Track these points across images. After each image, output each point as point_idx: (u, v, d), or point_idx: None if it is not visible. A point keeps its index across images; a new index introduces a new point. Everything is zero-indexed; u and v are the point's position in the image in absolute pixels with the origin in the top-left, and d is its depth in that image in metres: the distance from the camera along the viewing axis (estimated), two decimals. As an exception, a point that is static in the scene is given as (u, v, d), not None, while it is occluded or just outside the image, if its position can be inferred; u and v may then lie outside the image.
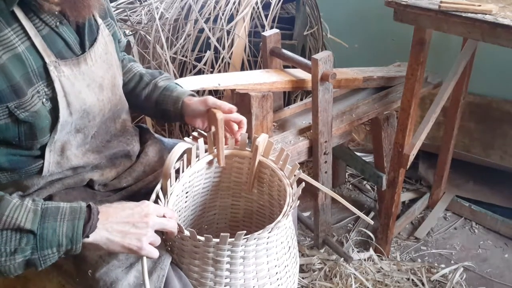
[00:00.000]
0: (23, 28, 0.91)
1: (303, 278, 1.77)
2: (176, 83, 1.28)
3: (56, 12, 0.96)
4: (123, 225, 0.89)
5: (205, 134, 1.20)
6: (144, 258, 0.91)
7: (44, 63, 0.94)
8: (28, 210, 0.85)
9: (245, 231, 0.91)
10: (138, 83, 1.27)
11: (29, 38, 0.92)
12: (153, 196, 1.01)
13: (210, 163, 1.16)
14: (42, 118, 0.95)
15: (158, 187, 1.02)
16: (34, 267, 0.86)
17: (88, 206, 0.89)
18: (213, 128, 1.14)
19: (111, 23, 1.15)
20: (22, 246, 0.83)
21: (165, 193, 1.02)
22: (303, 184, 1.06)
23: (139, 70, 1.29)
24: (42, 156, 1.02)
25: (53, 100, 0.96)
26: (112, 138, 1.15)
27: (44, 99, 0.95)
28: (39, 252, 0.84)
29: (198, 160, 1.13)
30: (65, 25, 0.99)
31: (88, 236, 0.87)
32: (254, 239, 0.94)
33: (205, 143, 1.16)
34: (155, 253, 0.92)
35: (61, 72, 0.96)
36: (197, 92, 2.05)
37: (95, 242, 0.88)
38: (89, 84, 1.03)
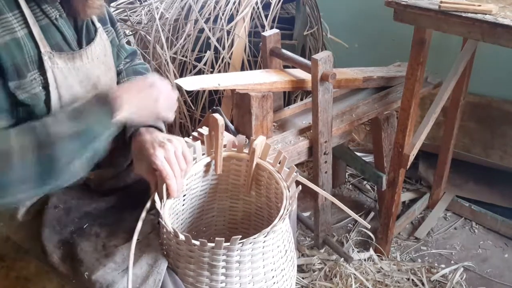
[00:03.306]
0: (23, 15, 0.93)
1: (303, 278, 1.77)
2: None
3: (57, 3, 0.98)
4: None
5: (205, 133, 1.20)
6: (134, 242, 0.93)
7: (39, 52, 0.95)
8: (60, 120, 0.91)
9: (240, 236, 0.90)
10: None
11: (28, 26, 0.94)
12: (148, 204, 1.01)
13: (207, 165, 1.16)
14: (40, 104, 0.97)
15: (155, 194, 1.01)
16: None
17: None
18: (205, 130, 1.14)
19: (110, 30, 1.16)
20: (78, 149, 0.90)
21: (161, 196, 1.01)
22: (300, 187, 1.05)
23: None
24: None
25: (47, 90, 0.97)
26: None
27: (40, 87, 0.96)
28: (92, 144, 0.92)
29: (196, 162, 1.12)
30: (64, 19, 1.01)
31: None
32: (250, 243, 0.94)
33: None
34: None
35: (55, 64, 0.97)
36: (197, 92, 2.07)
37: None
38: (81, 81, 1.03)
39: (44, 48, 0.96)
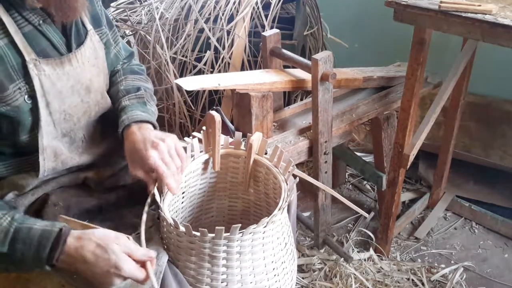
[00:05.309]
0: (2, 24, 0.91)
1: (303, 278, 1.77)
2: (144, 103, 1.15)
3: (39, 7, 0.95)
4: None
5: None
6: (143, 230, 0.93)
7: (24, 61, 0.94)
8: (1, 231, 0.87)
9: (240, 225, 0.92)
10: (113, 100, 1.19)
11: (9, 34, 0.92)
12: (149, 199, 1.01)
13: (205, 162, 1.16)
14: (24, 115, 0.96)
15: (155, 189, 1.02)
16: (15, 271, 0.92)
17: (60, 230, 0.88)
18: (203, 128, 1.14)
19: (104, 32, 1.14)
20: None
21: (161, 190, 1.02)
22: (297, 179, 1.07)
23: (121, 87, 1.19)
24: (27, 154, 1.03)
25: (34, 98, 0.96)
26: (103, 139, 1.15)
27: (26, 96, 0.95)
28: (13, 266, 0.89)
29: (193, 159, 1.13)
30: (49, 24, 0.99)
31: (57, 261, 0.87)
32: (250, 233, 0.95)
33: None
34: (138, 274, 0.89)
35: (42, 71, 0.96)
36: (197, 92, 2.07)
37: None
38: (73, 85, 1.02)
39: (29, 55, 0.94)
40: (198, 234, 0.93)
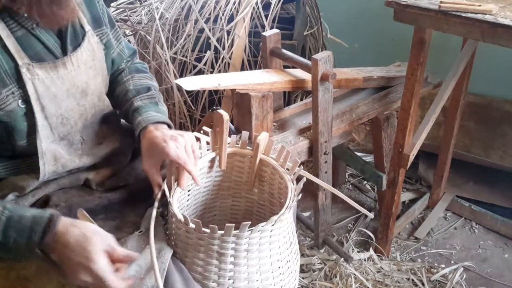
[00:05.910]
0: None
1: (303, 278, 1.77)
2: (156, 103, 1.16)
3: (25, 14, 0.94)
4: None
5: (208, 132, 1.21)
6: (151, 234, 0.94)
7: (16, 65, 0.93)
8: None
9: (250, 222, 0.92)
10: (122, 99, 1.19)
11: (0, 39, 0.92)
12: (159, 194, 1.03)
13: (212, 161, 1.17)
14: (18, 120, 0.96)
15: (164, 184, 1.03)
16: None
17: (51, 217, 0.89)
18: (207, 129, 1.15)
19: (105, 32, 1.13)
20: None
21: (170, 187, 1.03)
22: (305, 178, 1.08)
23: (130, 86, 1.19)
24: (25, 156, 1.03)
25: (28, 102, 0.96)
26: (103, 140, 1.15)
27: (19, 101, 0.95)
28: (8, 254, 0.92)
29: (200, 157, 1.13)
30: (43, 27, 0.97)
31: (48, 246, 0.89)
32: (258, 231, 0.95)
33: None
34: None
35: (35, 75, 0.95)
36: (197, 92, 2.07)
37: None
38: (69, 89, 1.02)
39: (22, 60, 0.93)
40: (207, 230, 0.93)
